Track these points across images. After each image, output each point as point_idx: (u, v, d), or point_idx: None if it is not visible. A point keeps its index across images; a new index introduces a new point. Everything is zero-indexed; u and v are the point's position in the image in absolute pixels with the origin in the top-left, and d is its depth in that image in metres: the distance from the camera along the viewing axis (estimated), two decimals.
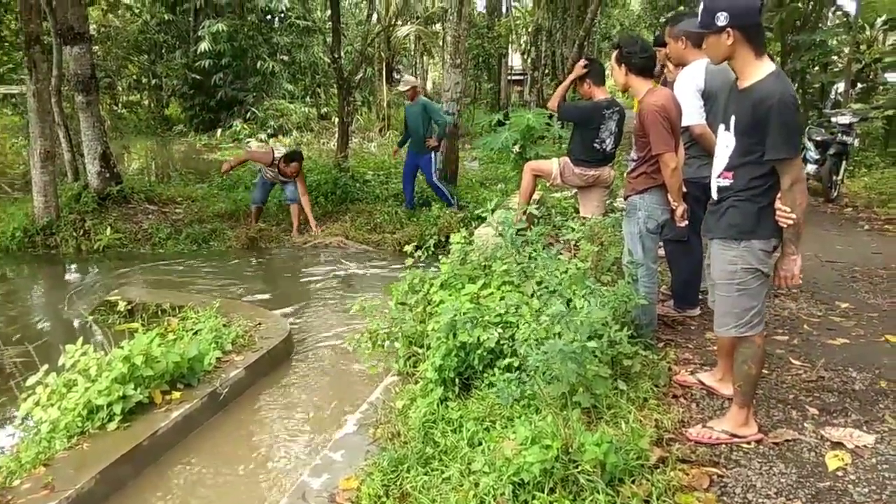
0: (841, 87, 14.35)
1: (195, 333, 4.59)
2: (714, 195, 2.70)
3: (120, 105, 23.15)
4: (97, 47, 18.71)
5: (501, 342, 3.32)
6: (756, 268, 2.59)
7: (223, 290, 6.23)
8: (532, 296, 3.78)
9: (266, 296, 6.08)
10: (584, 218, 5.24)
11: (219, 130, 19.57)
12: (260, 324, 4.86)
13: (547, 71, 20.09)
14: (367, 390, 3.85)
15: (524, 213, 5.38)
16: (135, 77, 23.30)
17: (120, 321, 5.15)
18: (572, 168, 5.12)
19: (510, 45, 25.21)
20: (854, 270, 5.39)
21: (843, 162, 8.61)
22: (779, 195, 2.50)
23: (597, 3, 17.38)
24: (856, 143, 8.80)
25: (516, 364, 3.27)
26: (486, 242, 4.63)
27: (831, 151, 8.48)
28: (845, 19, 13.90)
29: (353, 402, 3.91)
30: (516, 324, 3.40)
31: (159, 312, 5.24)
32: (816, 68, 13.99)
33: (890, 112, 10.89)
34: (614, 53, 3.56)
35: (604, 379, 2.89)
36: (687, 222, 3.58)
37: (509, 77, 29.27)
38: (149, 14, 21.74)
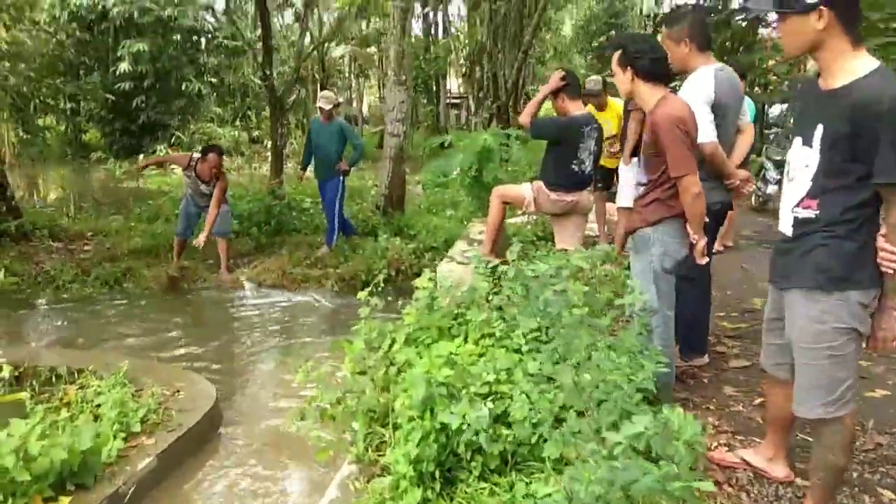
0: (777, 108, 14.37)
1: (97, 407, 3.68)
2: (788, 230, 2.04)
3: (28, 130, 21.40)
4: None
5: (496, 420, 2.59)
6: (852, 326, 1.93)
7: (136, 343, 5.26)
8: (522, 352, 3.07)
9: (187, 350, 5.13)
10: (562, 250, 4.58)
11: (141, 156, 18.28)
12: (178, 391, 3.96)
13: (489, 93, 19.67)
14: (319, 485, 3.02)
15: (492, 247, 4.69)
16: (48, 100, 21.65)
17: (3, 391, 4.17)
18: (547, 194, 4.46)
19: (449, 67, 24.81)
20: None
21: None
22: (881, 232, 1.86)
23: (535, 23, 17.16)
24: None
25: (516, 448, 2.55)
26: (453, 283, 3.88)
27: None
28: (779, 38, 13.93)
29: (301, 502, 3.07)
30: (510, 394, 2.67)
31: (53, 378, 4.27)
32: (757, 89, 13.94)
33: None
34: (616, 54, 2.91)
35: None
36: (707, 259, 2.93)
37: (448, 100, 28.88)
38: (64, 33, 20.25)
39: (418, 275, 7.19)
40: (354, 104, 29.64)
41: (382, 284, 6.90)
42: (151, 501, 3.15)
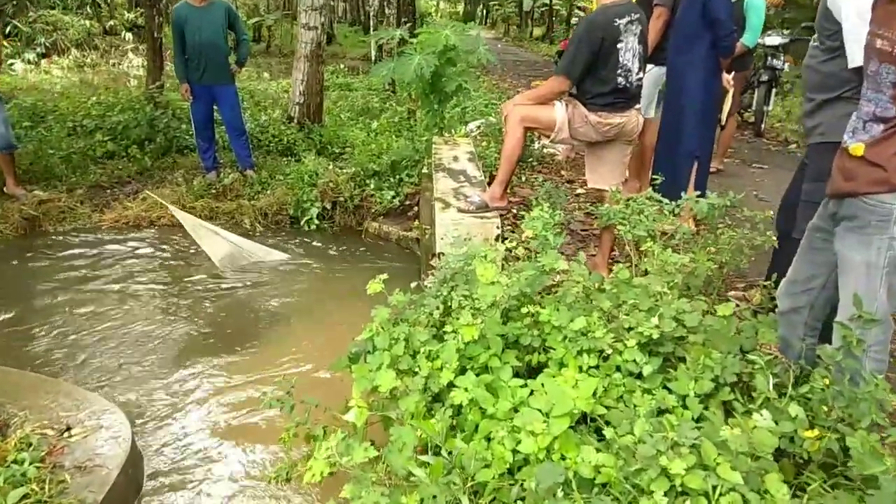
0: None
1: None
2: None
3: None
4: None
5: None
6: None
7: None
8: (643, 377, 1.98)
9: (66, 339, 3.57)
10: (599, 192, 3.46)
11: None
12: (69, 429, 2.56)
13: None
14: None
15: (505, 187, 3.47)
16: None
17: None
18: (585, 115, 3.25)
19: None
20: None
21: (773, 89, 7.53)
22: None
23: None
24: (786, 67, 7.71)
25: None
26: (491, 252, 2.63)
27: (762, 78, 7.35)
28: None
29: None
30: (701, 492, 1.57)
31: None
32: None
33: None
34: None
35: None
36: None
37: None
38: None
39: (360, 208, 5.88)
40: None
41: (317, 222, 5.59)
42: None
